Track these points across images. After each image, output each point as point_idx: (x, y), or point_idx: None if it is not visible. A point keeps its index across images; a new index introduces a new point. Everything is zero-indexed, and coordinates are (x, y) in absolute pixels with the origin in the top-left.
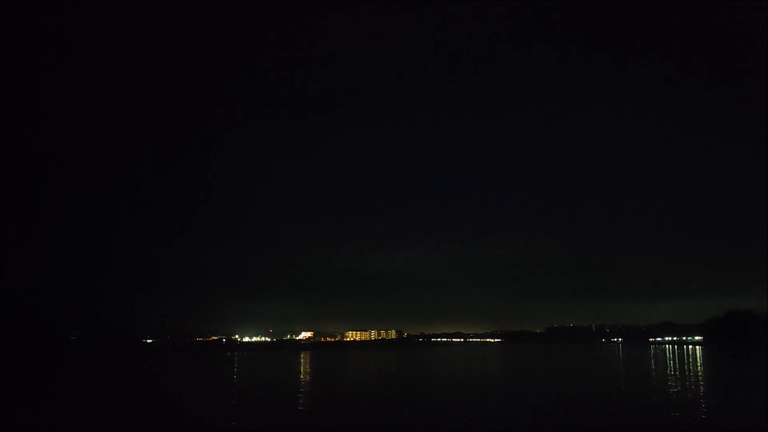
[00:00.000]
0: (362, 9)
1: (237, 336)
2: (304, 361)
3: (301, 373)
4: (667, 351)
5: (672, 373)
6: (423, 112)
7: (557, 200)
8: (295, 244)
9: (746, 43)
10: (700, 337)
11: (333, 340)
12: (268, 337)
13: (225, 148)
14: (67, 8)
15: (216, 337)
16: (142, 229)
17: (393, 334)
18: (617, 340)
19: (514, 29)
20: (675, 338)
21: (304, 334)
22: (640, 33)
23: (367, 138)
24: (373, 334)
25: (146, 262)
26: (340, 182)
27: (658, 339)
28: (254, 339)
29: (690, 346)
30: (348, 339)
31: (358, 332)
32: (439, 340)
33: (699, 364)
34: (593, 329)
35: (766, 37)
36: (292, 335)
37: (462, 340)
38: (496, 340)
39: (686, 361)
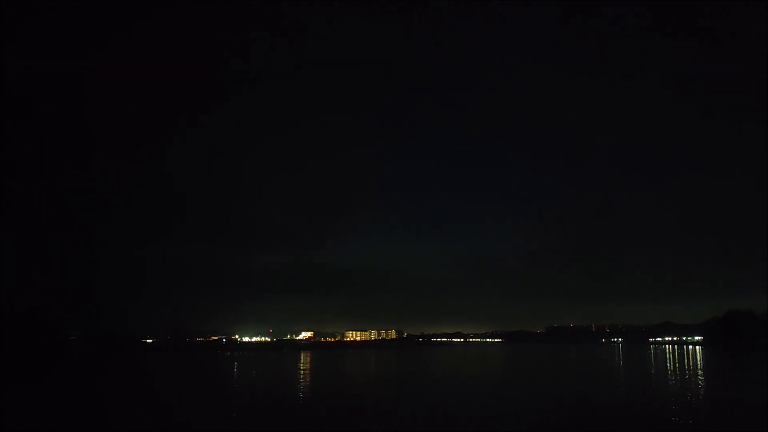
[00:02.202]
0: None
1: (237, 336)
2: (304, 361)
3: (301, 373)
4: (667, 351)
5: (672, 373)
6: (422, 111)
7: (558, 201)
8: (295, 244)
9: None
10: (700, 337)
11: (333, 340)
12: (268, 337)
13: (222, 146)
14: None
15: (216, 337)
16: (141, 229)
17: (393, 334)
18: (617, 340)
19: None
20: (675, 338)
21: (304, 334)
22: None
23: (367, 136)
24: (373, 334)
25: (145, 263)
26: (340, 181)
27: (658, 339)
28: (254, 339)
29: (690, 346)
30: (348, 339)
31: (358, 332)
32: (439, 340)
33: (699, 364)
34: (593, 329)
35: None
36: (292, 335)
37: (462, 340)
38: (496, 340)
39: (686, 361)
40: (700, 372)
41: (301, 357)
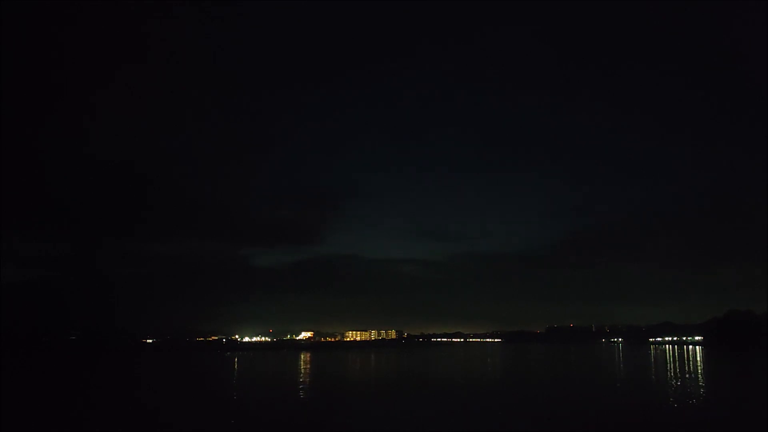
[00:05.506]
0: None
1: (237, 336)
2: (304, 361)
3: (301, 373)
4: (667, 351)
5: (672, 373)
6: (423, 112)
7: (558, 201)
8: (295, 244)
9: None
10: (700, 337)
11: (333, 340)
12: (268, 337)
13: (221, 144)
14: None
15: (216, 337)
16: (141, 228)
17: (393, 334)
18: (617, 340)
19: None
20: (675, 338)
21: (304, 334)
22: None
23: (367, 135)
24: (373, 334)
25: (145, 262)
26: (337, 179)
27: (658, 339)
28: (254, 339)
29: (690, 346)
30: (348, 339)
31: (358, 332)
32: (439, 340)
33: (699, 364)
34: (593, 329)
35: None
36: (292, 335)
37: (462, 340)
38: (496, 340)
39: (686, 362)
40: (700, 372)
41: (301, 357)
